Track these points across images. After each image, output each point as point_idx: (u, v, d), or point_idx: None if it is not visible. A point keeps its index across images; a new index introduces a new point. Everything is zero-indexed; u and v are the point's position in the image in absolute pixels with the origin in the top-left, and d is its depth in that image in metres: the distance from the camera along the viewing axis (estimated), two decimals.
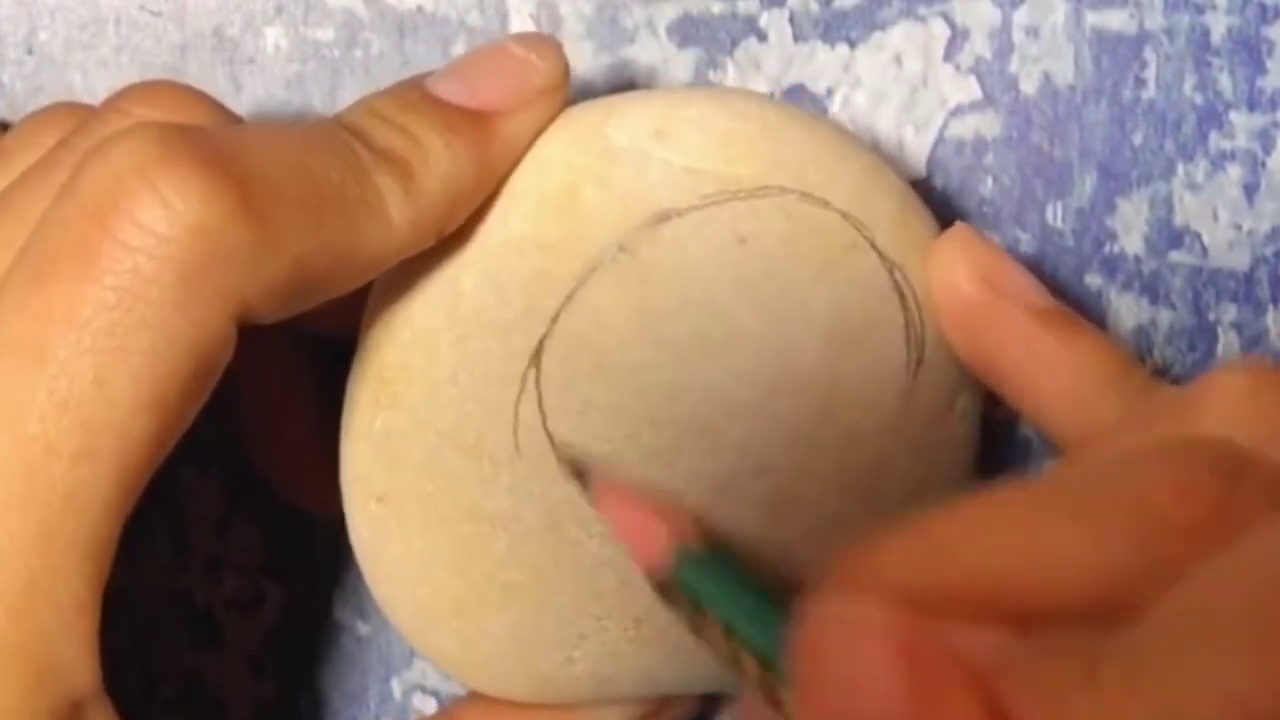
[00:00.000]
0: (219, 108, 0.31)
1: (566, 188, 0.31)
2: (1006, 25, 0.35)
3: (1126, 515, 0.23)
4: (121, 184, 0.27)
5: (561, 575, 0.31)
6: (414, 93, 0.31)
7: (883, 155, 0.35)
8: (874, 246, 0.31)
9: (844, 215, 0.31)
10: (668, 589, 0.27)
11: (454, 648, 0.32)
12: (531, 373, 0.31)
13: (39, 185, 0.29)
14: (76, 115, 0.31)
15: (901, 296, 0.31)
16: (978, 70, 0.35)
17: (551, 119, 0.31)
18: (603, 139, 0.31)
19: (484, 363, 0.31)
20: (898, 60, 0.35)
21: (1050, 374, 0.30)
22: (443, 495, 0.31)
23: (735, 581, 0.27)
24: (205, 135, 0.28)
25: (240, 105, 0.35)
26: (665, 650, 0.31)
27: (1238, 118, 0.35)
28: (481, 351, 0.31)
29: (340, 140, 0.29)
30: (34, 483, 0.27)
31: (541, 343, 0.30)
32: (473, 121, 0.30)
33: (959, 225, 0.32)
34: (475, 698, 0.33)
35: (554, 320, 0.30)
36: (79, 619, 0.27)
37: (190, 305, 0.27)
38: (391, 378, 0.31)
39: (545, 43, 0.31)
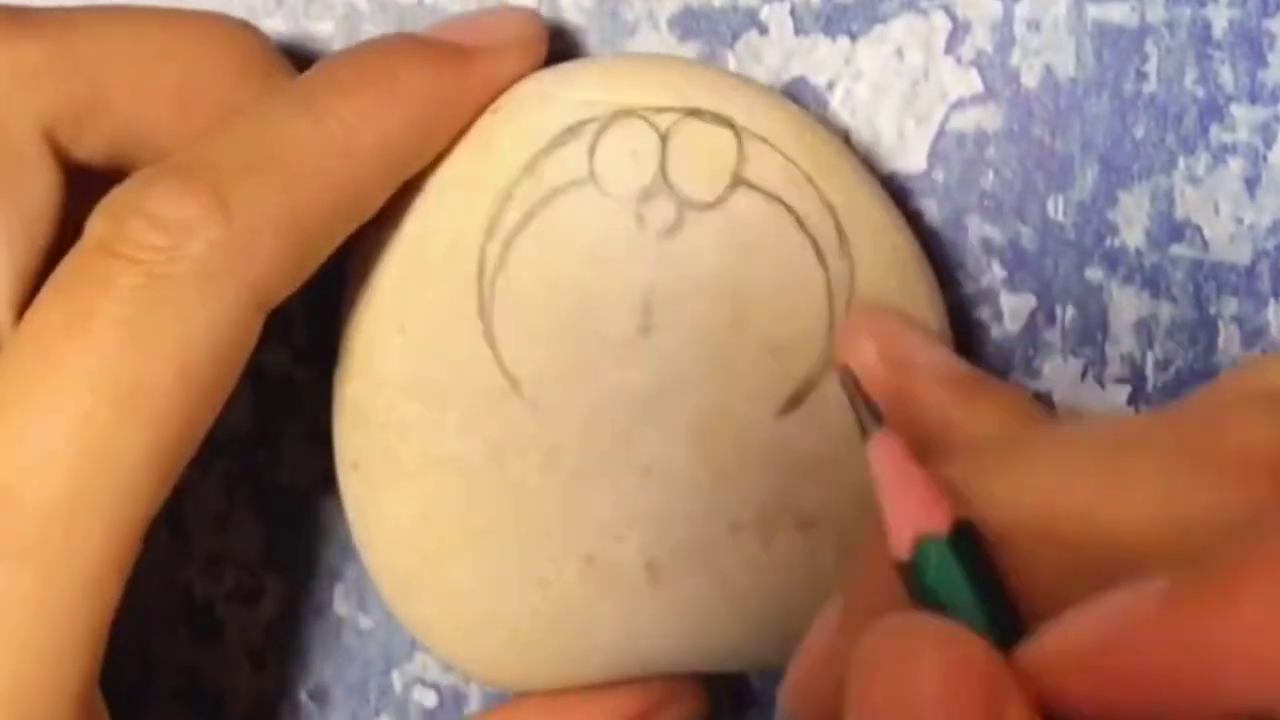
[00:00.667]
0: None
1: (475, 129, 0.32)
2: (1008, 18, 0.35)
3: (1224, 457, 0.23)
4: (119, 220, 0.29)
5: (512, 514, 0.32)
6: (390, 35, 0.32)
7: (884, 145, 0.35)
8: (778, 150, 0.32)
9: (737, 129, 0.32)
10: (907, 569, 0.26)
11: (433, 612, 0.32)
12: (463, 306, 0.32)
13: None
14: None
15: (803, 209, 0.32)
16: (979, 63, 0.35)
17: (527, 69, 0.32)
18: (515, 88, 0.32)
19: (420, 306, 0.32)
20: (899, 53, 0.35)
21: (969, 436, 0.30)
22: (403, 447, 0.32)
23: (974, 583, 0.26)
24: (179, 155, 0.30)
25: None
26: (623, 596, 0.32)
27: (1239, 111, 0.35)
28: (418, 296, 0.32)
29: (295, 93, 0.31)
30: (74, 452, 0.28)
31: (478, 274, 0.32)
32: (443, 47, 0.32)
33: (858, 308, 0.32)
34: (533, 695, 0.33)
35: (480, 251, 0.32)
36: (104, 588, 0.28)
37: (205, 293, 0.29)
38: (351, 344, 0.32)
39: (524, 10, 0.33)
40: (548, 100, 0.32)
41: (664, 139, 0.32)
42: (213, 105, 0.31)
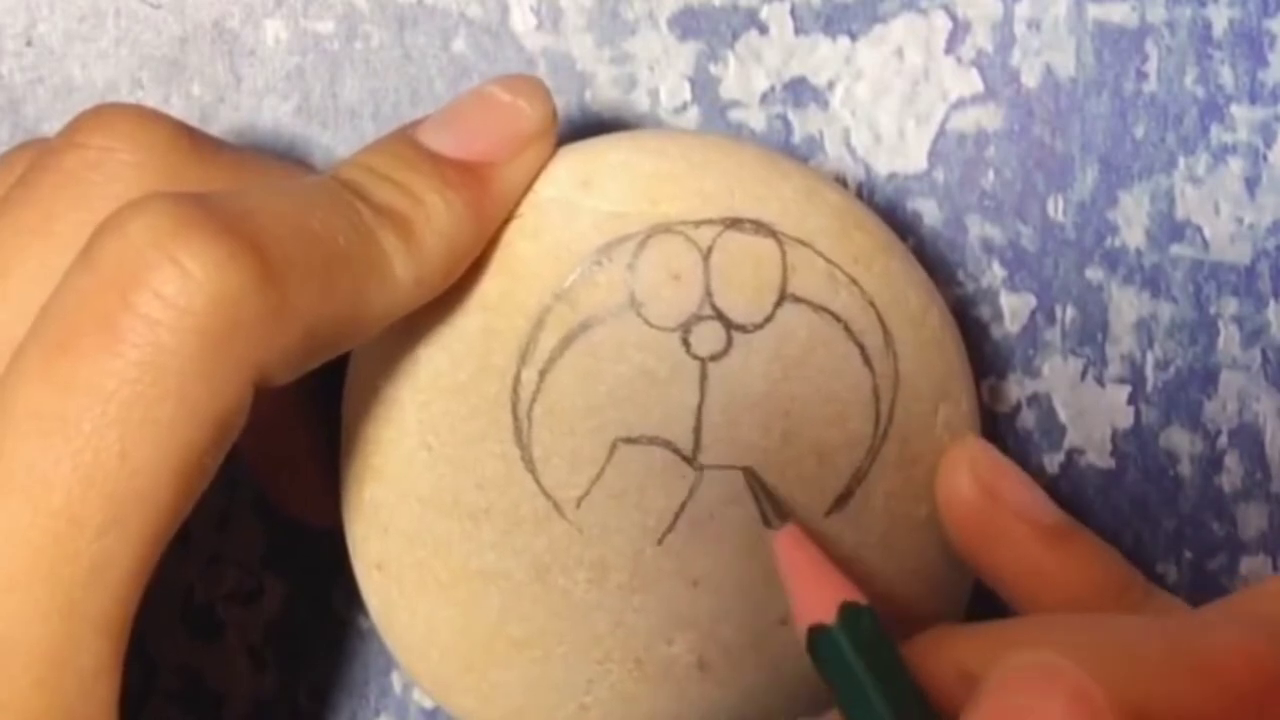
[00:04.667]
0: (179, 127, 0.30)
1: (500, 246, 0.31)
2: (1008, 18, 0.35)
3: (1193, 671, 0.26)
4: (140, 257, 0.26)
5: (557, 624, 0.31)
6: (408, 148, 0.30)
7: (885, 145, 0.35)
8: (820, 255, 0.31)
9: (777, 236, 0.31)
10: (812, 647, 0.28)
11: (475, 704, 0.32)
12: (497, 430, 0.31)
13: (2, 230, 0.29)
14: (36, 152, 0.31)
15: (849, 315, 0.31)
16: (979, 63, 0.35)
17: (543, 165, 0.31)
18: (531, 194, 0.31)
19: (447, 424, 0.31)
20: (899, 53, 0.35)
21: (1050, 590, 0.31)
22: (433, 559, 0.32)
23: (871, 665, 0.27)
24: (218, 202, 0.27)
25: (240, 98, 0.35)
26: (674, 689, 0.32)
27: (1239, 111, 0.35)
28: (444, 414, 0.31)
29: (343, 200, 0.29)
30: (59, 555, 0.26)
31: (512, 400, 0.31)
32: (468, 175, 0.30)
33: (970, 436, 0.32)
34: None
35: (515, 378, 0.31)
36: (100, 686, 0.27)
37: (212, 375, 0.27)
38: (369, 451, 0.32)
39: (532, 86, 0.31)
40: (573, 213, 0.31)
41: (706, 257, 0.31)
42: None
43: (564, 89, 0.35)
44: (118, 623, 0.27)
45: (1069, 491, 0.35)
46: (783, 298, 0.31)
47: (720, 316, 0.31)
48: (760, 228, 0.31)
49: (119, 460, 0.26)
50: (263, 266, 0.27)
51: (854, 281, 0.31)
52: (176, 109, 0.35)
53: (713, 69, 0.35)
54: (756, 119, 0.35)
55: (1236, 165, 0.35)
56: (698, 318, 0.31)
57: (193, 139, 0.30)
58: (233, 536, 0.36)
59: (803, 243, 0.31)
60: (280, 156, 0.35)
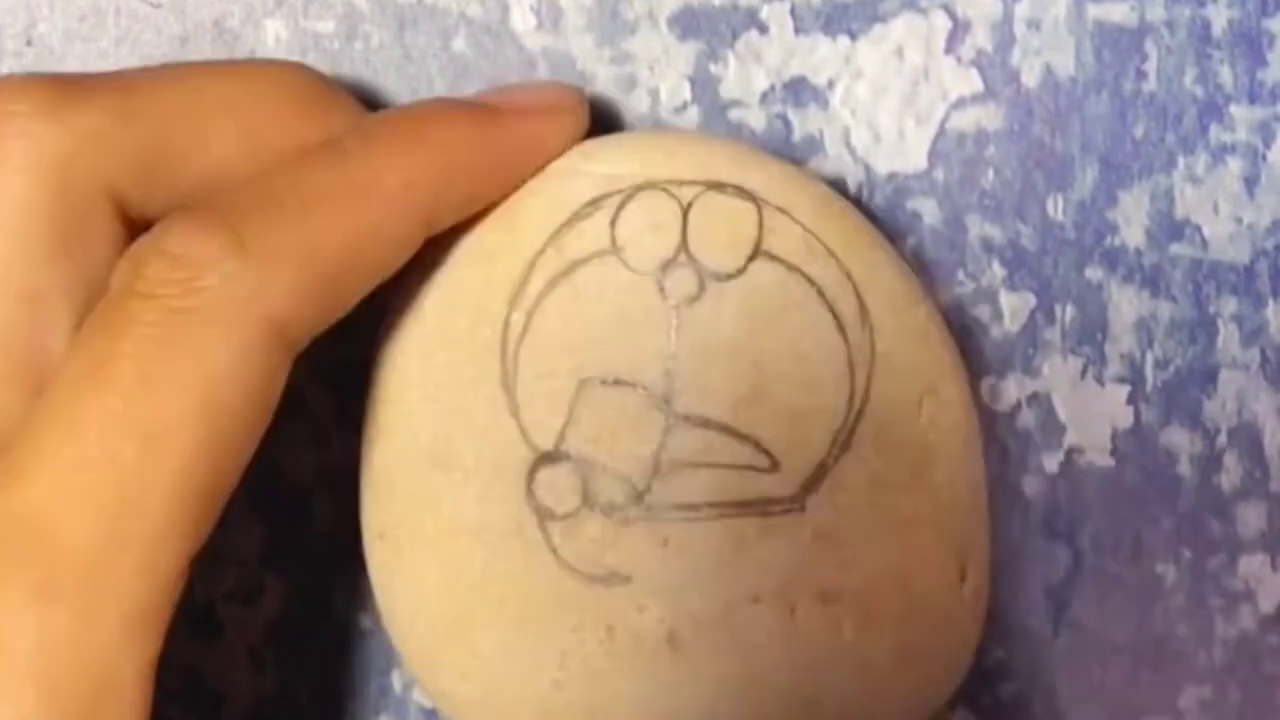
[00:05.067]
0: (47, 83, 0.31)
1: (504, 206, 0.32)
2: (1008, 18, 0.35)
3: None
4: (140, 262, 0.29)
5: (533, 583, 0.31)
6: (428, 99, 0.33)
7: (885, 145, 0.35)
8: (798, 223, 0.32)
9: (757, 200, 0.32)
10: None
11: (454, 681, 0.32)
12: (488, 376, 0.32)
13: None
14: None
15: (824, 281, 0.32)
16: (979, 62, 0.35)
17: (566, 141, 0.32)
18: (546, 167, 0.33)
19: (447, 373, 0.32)
20: (899, 52, 0.35)
21: None
22: (427, 514, 0.32)
23: None
24: (200, 200, 0.30)
25: None
26: (644, 667, 0.31)
27: (1238, 110, 0.35)
28: (444, 364, 0.32)
29: (320, 145, 0.31)
30: (98, 489, 0.28)
31: (501, 344, 0.32)
32: (475, 106, 0.32)
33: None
34: None
35: (504, 321, 0.32)
36: (145, 629, 0.28)
37: (221, 322, 0.29)
38: (380, 413, 0.32)
39: (566, 83, 0.34)
40: (573, 175, 0.32)
41: (686, 211, 0.32)
42: (279, 152, 0.31)
43: None
44: (164, 564, 0.28)
45: (1069, 491, 0.35)
46: (756, 253, 0.32)
47: (695, 264, 0.32)
48: (741, 192, 0.32)
49: (146, 398, 0.28)
50: (232, 226, 0.29)
51: (831, 253, 0.32)
52: None
53: (713, 69, 0.35)
54: (756, 119, 0.35)
55: (1236, 165, 0.35)
56: (673, 264, 0.32)
57: (65, 84, 0.31)
58: (232, 536, 0.36)
59: (782, 210, 0.32)
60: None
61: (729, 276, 0.32)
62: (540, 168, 0.32)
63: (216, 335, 0.29)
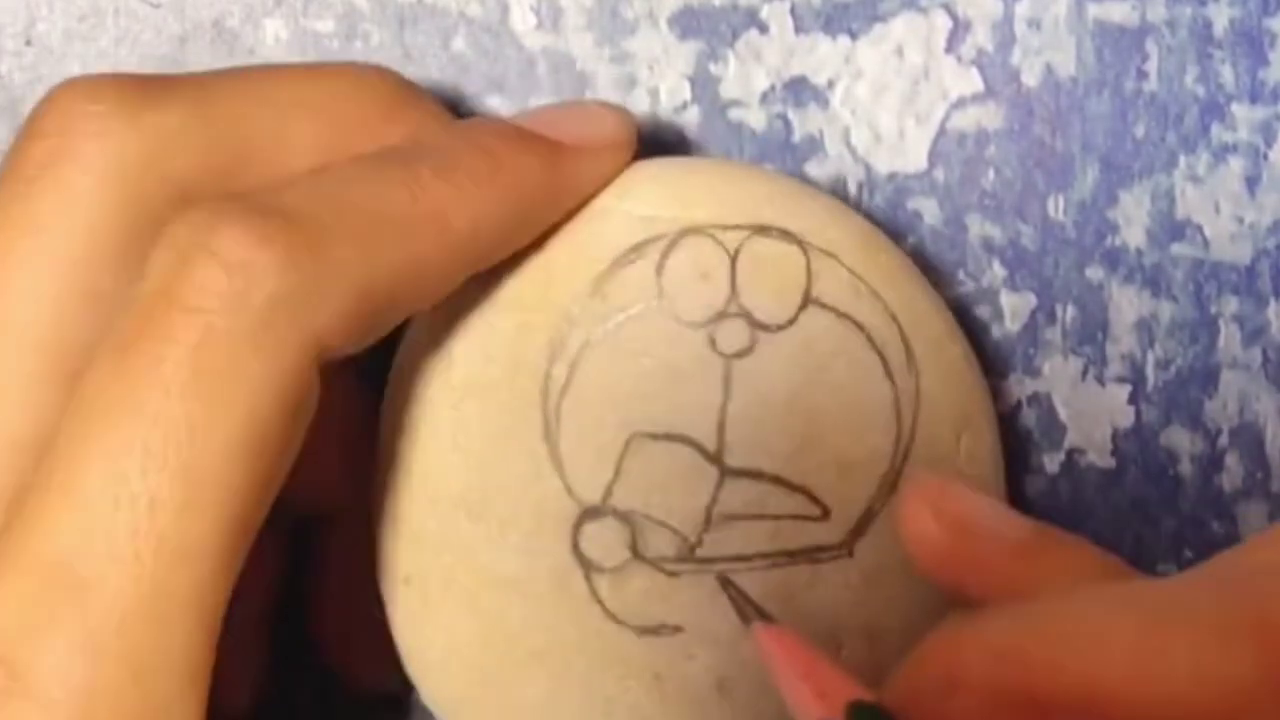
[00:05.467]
0: (123, 84, 0.30)
1: (536, 250, 0.32)
2: (1008, 17, 0.35)
3: (1252, 630, 0.23)
4: (184, 257, 0.27)
5: (578, 635, 0.31)
6: (489, 118, 0.32)
7: (885, 144, 0.35)
8: (844, 265, 0.32)
9: (803, 244, 0.31)
10: None
11: None
12: (526, 429, 0.31)
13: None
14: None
15: (871, 325, 0.32)
16: (979, 62, 0.35)
17: (616, 172, 0.32)
18: None
19: (479, 423, 0.31)
20: (899, 52, 0.35)
21: (1035, 597, 0.30)
22: (460, 565, 0.31)
23: None
24: (254, 194, 0.28)
25: None
26: (694, 712, 0.31)
27: (1239, 110, 0.35)
28: (476, 413, 0.31)
29: (391, 161, 0.30)
30: (142, 538, 0.27)
31: (541, 397, 0.31)
32: (543, 142, 0.31)
33: (916, 474, 0.31)
34: None
35: (544, 375, 0.31)
36: (191, 675, 0.27)
37: (265, 346, 0.27)
38: (401, 458, 0.32)
39: (618, 108, 0.33)
40: (609, 217, 0.31)
41: (734, 259, 0.31)
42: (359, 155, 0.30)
43: (564, 88, 0.35)
44: (210, 608, 0.27)
45: (1069, 491, 0.35)
46: (807, 301, 0.31)
47: (745, 315, 0.31)
48: (787, 235, 0.31)
49: (187, 436, 0.27)
50: (294, 238, 0.28)
51: (877, 295, 0.32)
52: None
53: (713, 68, 0.35)
54: (756, 118, 0.35)
55: (1237, 164, 0.35)
56: (724, 315, 0.31)
57: (139, 84, 0.30)
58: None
59: (828, 253, 0.32)
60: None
61: (780, 327, 0.31)
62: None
63: (264, 365, 0.27)
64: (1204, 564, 0.27)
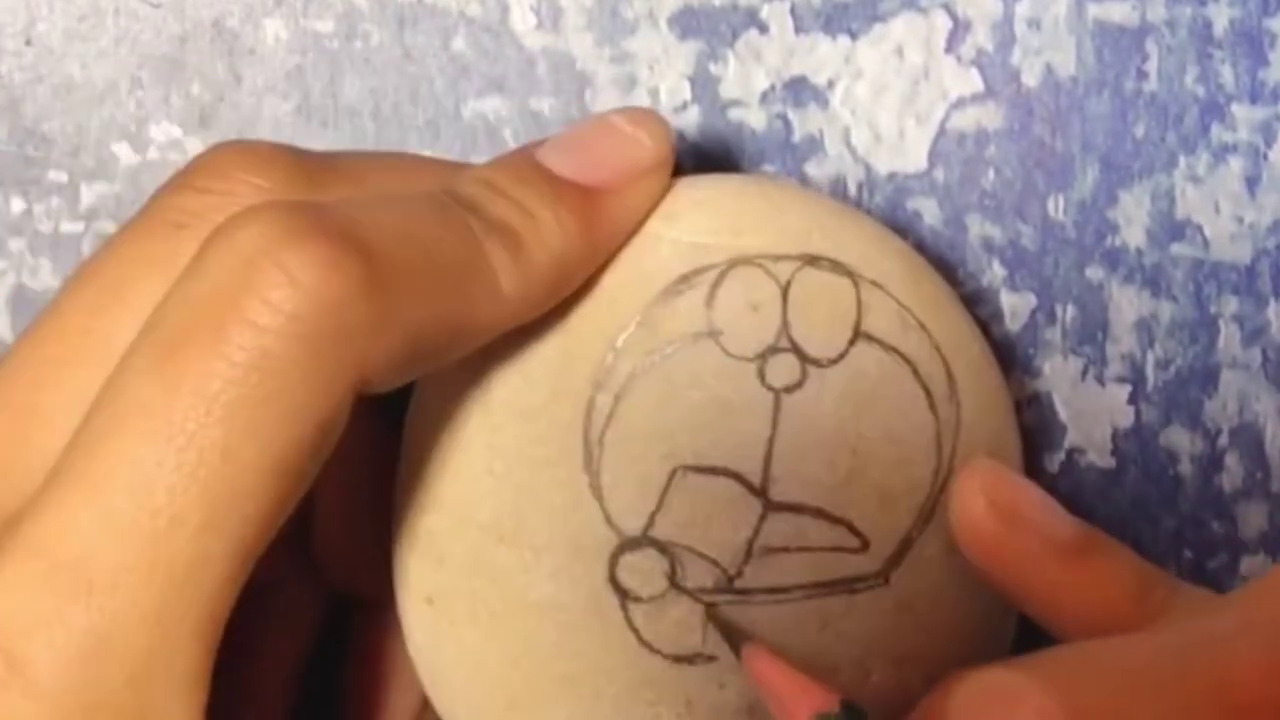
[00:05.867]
0: (294, 158, 0.30)
1: None
2: (1008, 17, 0.35)
3: (1208, 693, 0.25)
4: (250, 264, 0.27)
5: (610, 662, 0.31)
6: (525, 165, 0.31)
7: (885, 144, 0.35)
8: (892, 296, 0.32)
9: (853, 276, 0.31)
10: None
11: None
12: (567, 457, 0.31)
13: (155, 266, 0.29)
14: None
15: (918, 358, 0.32)
16: (979, 62, 0.35)
17: (657, 199, 0.31)
18: None
19: (516, 449, 0.31)
20: (899, 52, 0.35)
21: (1074, 604, 0.31)
22: (489, 589, 0.31)
23: None
24: (327, 210, 0.28)
25: (240, 97, 0.35)
26: None
27: (1239, 110, 0.35)
28: (513, 439, 0.31)
29: (454, 212, 0.29)
30: (158, 555, 0.26)
31: (584, 426, 0.31)
32: (583, 197, 0.31)
33: (979, 458, 0.32)
34: None
35: (588, 403, 0.31)
36: (192, 689, 0.27)
37: (316, 379, 0.27)
38: (430, 479, 0.32)
39: (651, 119, 0.32)
40: (656, 243, 0.31)
41: (785, 291, 0.31)
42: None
43: (564, 88, 0.35)
44: (212, 626, 0.27)
45: (1069, 491, 0.35)
46: (857, 335, 0.31)
47: (796, 349, 0.31)
48: (837, 266, 0.31)
49: (221, 459, 0.26)
50: (368, 273, 0.27)
51: (923, 326, 0.32)
52: (176, 108, 0.35)
53: (713, 68, 0.35)
54: (756, 118, 0.35)
55: (1237, 164, 0.35)
56: (774, 349, 0.31)
57: (308, 167, 0.30)
58: None
59: (876, 284, 0.32)
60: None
61: (830, 362, 0.31)
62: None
63: (308, 396, 0.27)
64: (1182, 623, 0.29)
